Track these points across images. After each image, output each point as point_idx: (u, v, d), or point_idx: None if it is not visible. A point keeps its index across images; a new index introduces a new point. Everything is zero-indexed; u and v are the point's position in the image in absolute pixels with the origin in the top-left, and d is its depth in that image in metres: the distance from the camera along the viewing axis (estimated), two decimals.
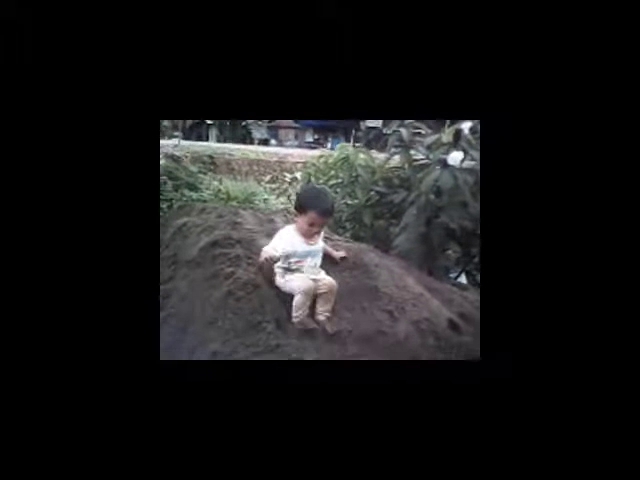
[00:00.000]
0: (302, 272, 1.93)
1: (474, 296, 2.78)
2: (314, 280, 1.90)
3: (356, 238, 3.49)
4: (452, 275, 3.68)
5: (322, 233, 2.01)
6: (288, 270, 1.94)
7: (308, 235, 1.91)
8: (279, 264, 1.94)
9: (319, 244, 2.01)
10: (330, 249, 2.18)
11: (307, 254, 1.95)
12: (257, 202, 2.93)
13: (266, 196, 3.22)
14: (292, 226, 1.97)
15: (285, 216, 2.75)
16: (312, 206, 1.86)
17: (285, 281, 1.94)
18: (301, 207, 1.87)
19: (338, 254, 2.20)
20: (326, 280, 1.95)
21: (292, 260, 1.92)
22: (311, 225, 1.88)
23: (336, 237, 2.74)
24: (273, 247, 1.87)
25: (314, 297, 1.91)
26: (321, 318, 1.94)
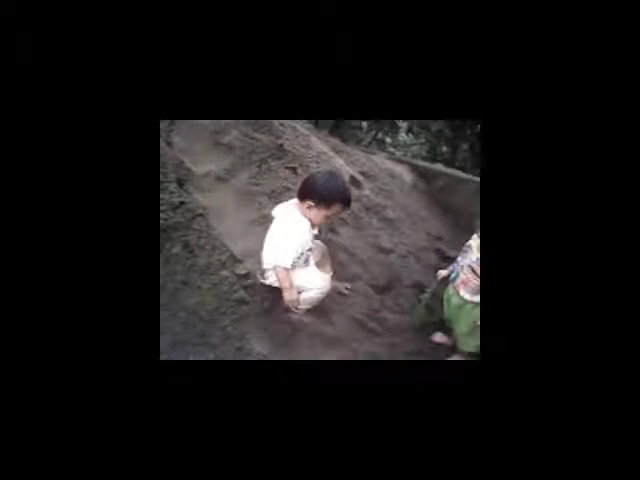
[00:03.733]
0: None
1: (379, 159, 2.93)
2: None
3: None
4: (364, 144, 3.79)
5: None
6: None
7: (320, 224, 1.69)
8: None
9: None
10: None
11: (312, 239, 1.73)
12: None
13: None
14: (301, 220, 1.63)
15: None
16: (339, 198, 1.59)
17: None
18: (324, 199, 1.57)
19: None
20: (316, 250, 1.77)
21: (301, 256, 1.66)
22: (330, 217, 1.65)
23: None
24: (284, 261, 1.58)
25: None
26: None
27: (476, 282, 1.54)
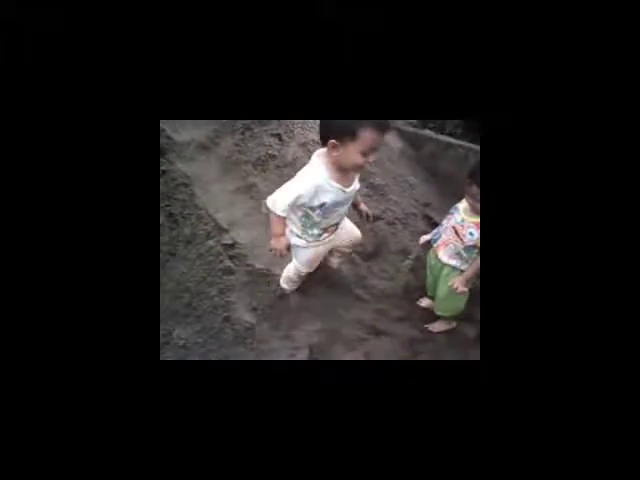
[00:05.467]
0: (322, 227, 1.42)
1: None
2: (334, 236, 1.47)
3: None
4: None
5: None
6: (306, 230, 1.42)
7: (355, 171, 1.32)
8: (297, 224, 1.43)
9: (355, 184, 1.38)
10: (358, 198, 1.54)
11: (341, 204, 1.36)
12: None
13: None
14: (317, 169, 1.28)
15: None
16: (366, 121, 1.17)
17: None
18: (347, 126, 1.17)
19: (366, 208, 1.59)
20: (353, 235, 1.56)
21: (316, 217, 1.36)
22: (367, 153, 1.21)
23: None
24: (275, 207, 1.32)
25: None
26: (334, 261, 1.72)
27: (456, 244, 1.53)
